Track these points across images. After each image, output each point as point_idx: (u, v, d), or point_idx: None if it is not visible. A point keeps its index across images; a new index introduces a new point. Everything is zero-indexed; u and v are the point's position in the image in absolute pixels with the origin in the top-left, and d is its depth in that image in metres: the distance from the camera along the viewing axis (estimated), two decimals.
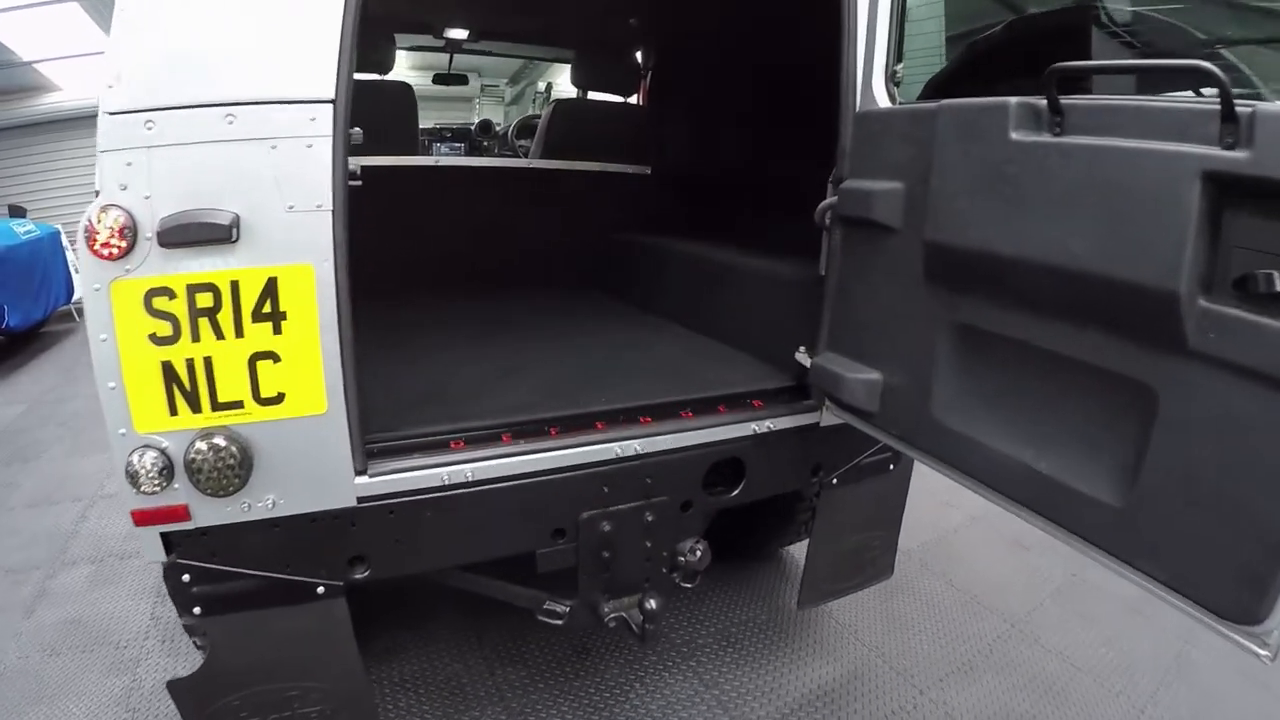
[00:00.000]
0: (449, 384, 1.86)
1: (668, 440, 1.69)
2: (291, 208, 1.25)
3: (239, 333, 1.24)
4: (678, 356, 2.13)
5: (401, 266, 2.90)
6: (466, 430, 1.59)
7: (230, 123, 1.21)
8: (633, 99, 3.20)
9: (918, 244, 1.45)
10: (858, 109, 1.63)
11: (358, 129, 1.36)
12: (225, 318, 1.23)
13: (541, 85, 6.17)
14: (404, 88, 2.79)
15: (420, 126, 3.95)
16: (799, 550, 2.67)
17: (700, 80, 3.00)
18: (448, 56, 3.82)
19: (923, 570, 2.92)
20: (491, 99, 8.05)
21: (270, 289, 1.25)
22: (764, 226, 2.65)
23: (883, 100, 1.61)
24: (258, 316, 1.25)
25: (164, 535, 1.32)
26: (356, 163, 1.36)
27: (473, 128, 4.03)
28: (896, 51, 1.63)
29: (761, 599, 2.67)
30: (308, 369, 1.30)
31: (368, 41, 2.91)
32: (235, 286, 1.23)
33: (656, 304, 2.69)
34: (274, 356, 1.27)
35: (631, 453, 1.65)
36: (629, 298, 2.89)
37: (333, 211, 1.29)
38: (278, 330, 1.26)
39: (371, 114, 2.91)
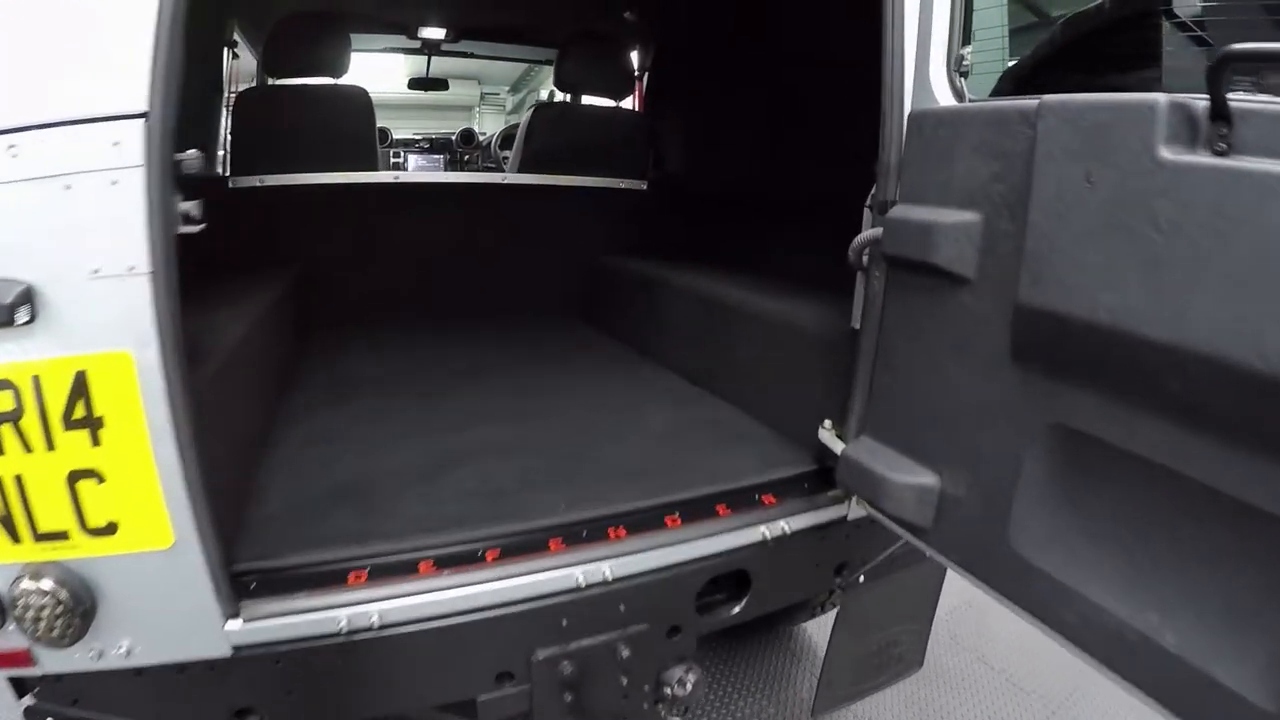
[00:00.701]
0: (372, 474, 1.43)
1: (648, 559, 1.25)
2: (96, 272, 0.89)
3: (50, 444, 0.92)
4: (669, 427, 1.69)
5: (354, 302, 2.50)
6: (374, 557, 1.18)
7: (13, 157, 0.85)
8: (627, 103, 2.78)
9: (1003, 305, 1.00)
10: (909, 108, 1.19)
11: (193, 151, 0.96)
12: (30, 425, 0.91)
13: (544, 93, 5.79)
14: (357, 93, 2.38)
15: (396, 136, 3.60)
16: (812, 625, 2.28)
17: (706, 80, 2.58)
18: (425, 59, 3.45)
19: (953, 646, 2.49)
20: (493, 108, 7.68)
21: (80, 386, 0.91)
22: (782, 256, 2.21)
23: (944, 96, 1.16)
24: (70, 423, 0.92)
25: (12, 679, 1.07)
26: (190, 206, 0.96)
27: (453, 138, 3.65)
28: (963, 31, 1.18)
29: (768, 685, 2.26)
30: (140, 490, 0.96)
31: (316, 41, 2.54)
32: (37, 384, 0.90)
33: (651, 345, 2.25)
34: (96, 475, 0.95)
35: (599, 579, 1.21)
36: (619, 333, 2.46)
37: (152, 274, 0.91)
38: (96, 441, 0.93)
39: (320, 124, 2.54)
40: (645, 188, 2.76)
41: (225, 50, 2.43)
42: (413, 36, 3.21)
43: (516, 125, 3.45)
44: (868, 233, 1.24)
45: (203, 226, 0.99)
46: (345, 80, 2.39)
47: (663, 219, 2.78)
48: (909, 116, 1.17)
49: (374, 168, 2.45)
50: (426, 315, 2.55)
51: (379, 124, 3.97)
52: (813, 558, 1.45)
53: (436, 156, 3.52)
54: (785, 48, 2.18)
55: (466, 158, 3.58)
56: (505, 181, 2.61)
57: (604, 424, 1.68)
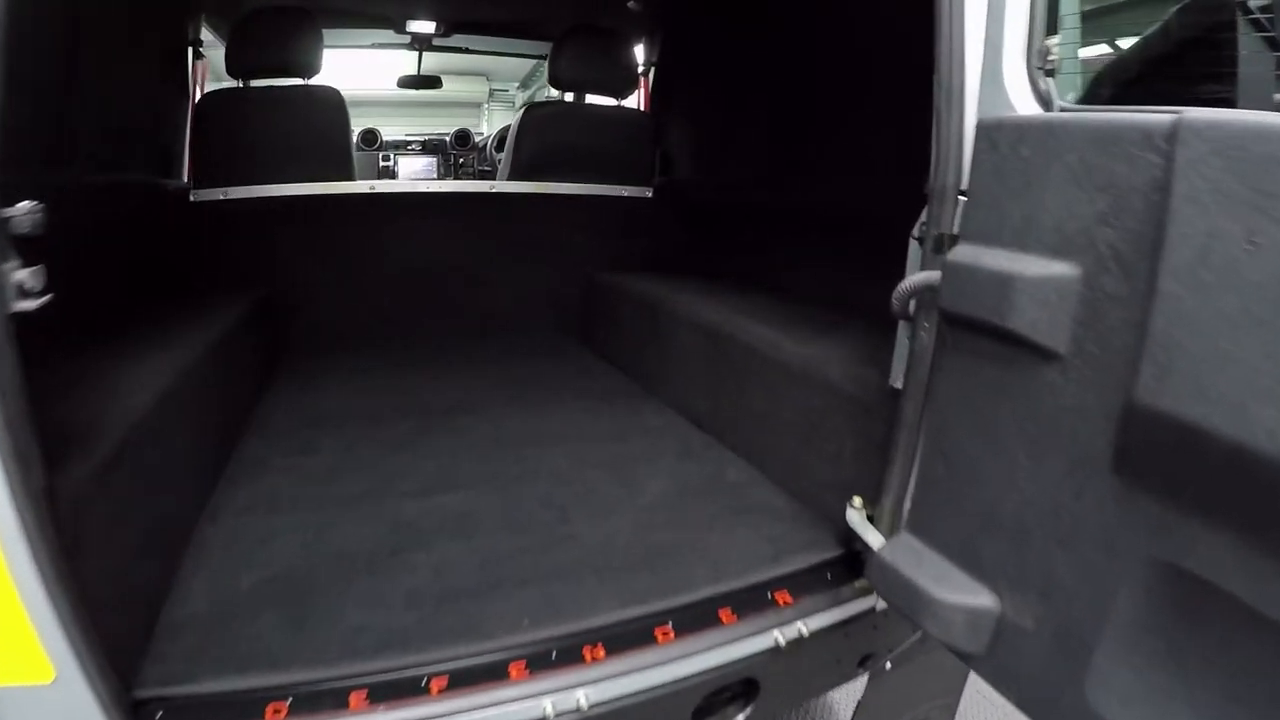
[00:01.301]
0: (313, 560, 1.19)
1: (633, 681, 1.00)
2: None
3: None
4: (668, 492, 1.43)
5: (328, 326, 2.27)
6: (299, 686, 0.96)
7: None
8: (631, 102, 2.51)
9: (1107, 395, 0.74)
10: (975, 115, 0.92)
11: (25, 204, 0.73)
12: None
13: (554, 90, 5.49)
14: (329, 95, 2.14)
15: (387, 138, 3.36)
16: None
17: (719, 75, 2.30)
18: (416, 55, 3.20)
19: (982, 702, 2.21)
20: (502, 105, 7.43)
21: None
22: (807, 278, 1.93)
23: (1024, 101, 0.89)
24: None
25: None
26: (27, 276, 0.73)
27: (448, 139, 3.40)
28: (1047, 18, 0.91)
29: None
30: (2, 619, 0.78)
31: (284, 37, 2.30)
32: None
33: (655, 379, 1.99)
34: None
35: (571, 708, 0.97)
36: (621, 362, 2.20)
37: None
38: None
39: (289, 129, 2.30)
40: (650, 195, 2.49)
41: (189, 50, 2.20)
42: (400, 31, 2.96)
43: (503, 129, 3.20)
44: (919, 277, 0.97)
45: (46, 299, 0.76)
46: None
47: (670, 230, 2.51)
48: (977, 126, 0.90)
49: (349, 176, 2.21)
50: (408, 340, 2.31)
51: (375, 124, 3.78)
52: (833, 653, 1.20)
53: (429, 159, 3.28)
54: (812, 37, 1.90)
55: (462, 161, 3.34)
56: (494, 190, 2.36)
57: (591, 487, 1.43)
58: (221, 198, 2.10)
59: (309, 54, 2.15)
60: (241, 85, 2.17)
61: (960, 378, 0.94)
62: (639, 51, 2.67)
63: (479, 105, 7.43)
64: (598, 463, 1.52)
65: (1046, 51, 0.90)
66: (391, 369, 2.12)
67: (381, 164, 3.29)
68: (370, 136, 3.33)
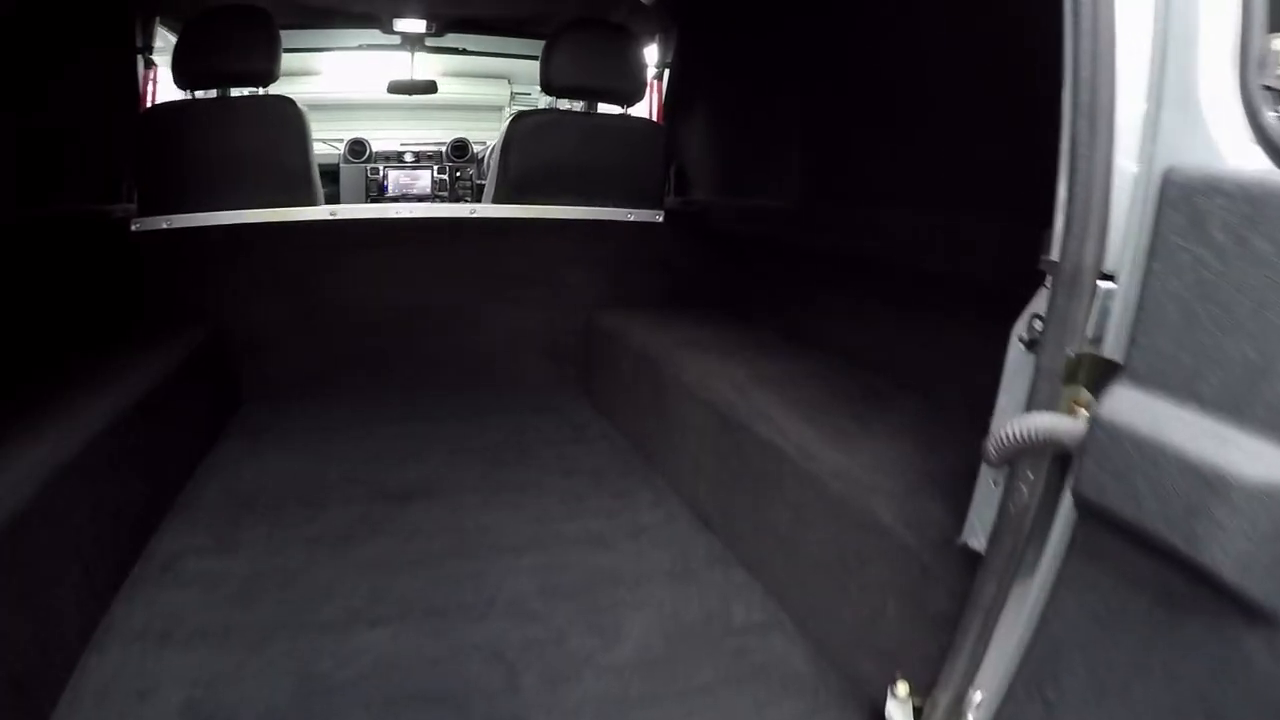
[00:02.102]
0: None
1: None
2: None
3: None
4: (657, 642, 1.07)
5: (285, 374, 1.97)
6: None
7: None
8: (639, 108, 2.17)
9: None
10: (1156, 160, 0.55)
11: None
12: None
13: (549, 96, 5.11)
14: (281, 105, 1.84)
15: (375, 149, 3.06)
16: None
17: (745, 79, 1.94)
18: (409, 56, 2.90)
19: None
20: (525, 108, 7.14)
21: None
22: (852, 336, 1.57)
23: (1236, 144, 0.52)
24: None
25: None
26: None
27: (444, 149, 3.08)
28: (1270, 4, 0.54)
29: None
30: None
31: (235, 41, 1.99)
32: None
33: (658, 455, 1.64)
34: None
35: None
36: (620, 422, 1.86)
37: None
38: None
39: (239, 147, 1.98)
40: (662, 219, 2.14)
41: (138, 58, 1.93)
42: (388, 31, 2.66)
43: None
44: (1040, 425, 0.60)
45: None
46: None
47: (686, 260, 2.16)
48: (1165, 181, 0.53)
49: (310, 199, 1.91)
50: (378, 392, 2.00)
51: (386, 130, 3.49)
52: None
53: (421, 172, 2.97)
54: (856, 34, 1.53)
55: (459, 174, 3.03)
56: (475, 215, 2.03)
57: (555, 630, 1.08)
58: (165, 227, 1.82)
59: (263, 59, 1.86)
60: (189, 97, 1.89)
61: (1093, 599, 0.57)
62: (650, 52, 2.32)
63: (500, 109, 7.14)
64: (570, 589, 1.18)
65: (1272, 58, 0.53)
66: (353, 428, 1.81)
67: (369, 178, 2.99)
68: (358, 148, 3.04)
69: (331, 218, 1.91)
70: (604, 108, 2.11)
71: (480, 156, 3.14)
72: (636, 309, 2.04)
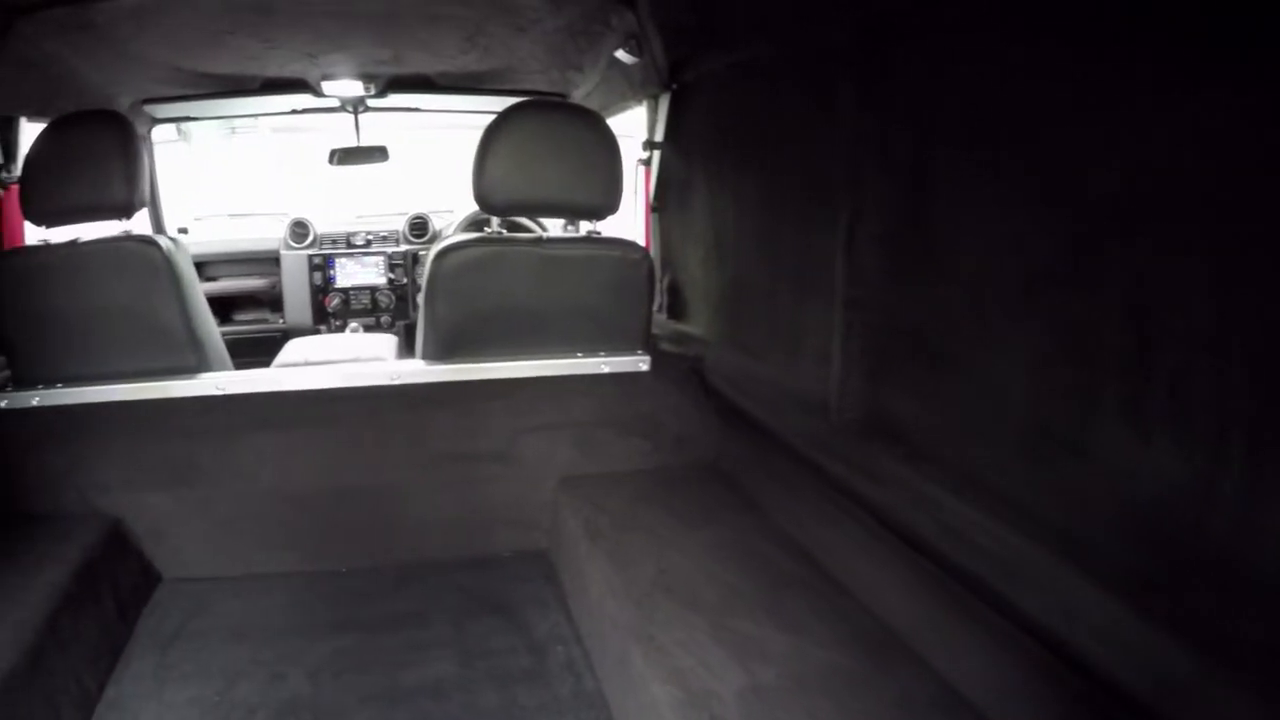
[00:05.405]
0: None
1: None
2: None
3: None
4: None
5: (194, 576, 1.51)
6: None
7: None
8: (608, 220, 1.58)
9: None
10: None
11: None
12: None
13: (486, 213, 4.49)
14: (141, 251, 1.39)
15: (319, 231, 2.54)
16: None
17: (765, 166, 1.35)
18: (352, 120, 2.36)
19: None
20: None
21: None
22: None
23: None
24: None
25: None
26: None
27: (401, 229, 2.53)
28: None
29: None
30: None
31: (75, 164, 1.33)
32: None
33: None
34: None
35: None
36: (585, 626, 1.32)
37: None
38: None
39: (98, 303, 1.39)
40: (647, 366, 1.57)
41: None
42: (320, 95, 2.14)
43: (476, 213, 2.29)
44: None
45: None
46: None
47: (679, 422, 1.59)
48: None
49: (198, 364, 1.48)
50: (299, 595, 1.50)
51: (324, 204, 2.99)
52: None
53: (373, 259, 2.44)
54: (907, 103, 0.93)
55: (419, 256, 2.50)
56: (396, 383, 1.50)
57: None
58: (36, 403, 1.42)
59: (120, 187, 1.38)
60: (44, 241, 1.45)
61: None
62: (629, 120, 1.73)
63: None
64: None
65: None
66: (258, 655, 1.31)
67: (314, 267, 2.49)
68: (300, 230, 2.54)
69: (218, 393, 1.43)
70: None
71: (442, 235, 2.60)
72: (615, 475, 1.49)
